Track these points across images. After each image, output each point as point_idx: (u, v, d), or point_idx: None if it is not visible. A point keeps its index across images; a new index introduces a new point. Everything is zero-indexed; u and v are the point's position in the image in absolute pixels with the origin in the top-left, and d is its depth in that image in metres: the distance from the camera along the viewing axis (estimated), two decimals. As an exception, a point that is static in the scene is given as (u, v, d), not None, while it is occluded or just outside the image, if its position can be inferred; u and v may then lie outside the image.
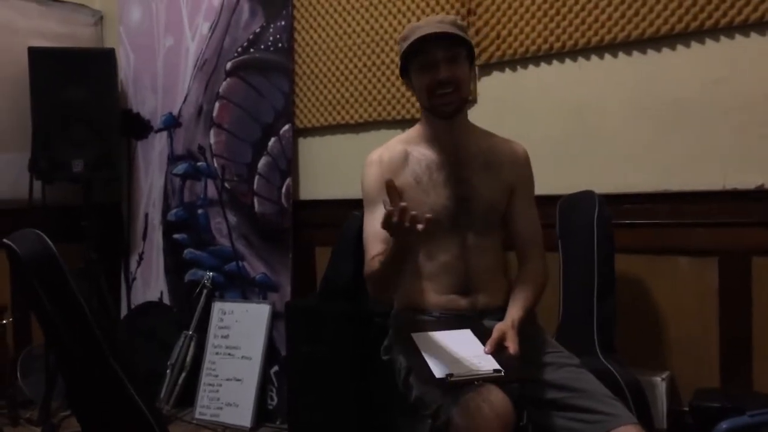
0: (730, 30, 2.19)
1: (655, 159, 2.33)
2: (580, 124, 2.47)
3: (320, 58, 3.04)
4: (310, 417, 2.64)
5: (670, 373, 2.28)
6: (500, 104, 2.57)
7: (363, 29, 2.91)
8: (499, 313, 1.76)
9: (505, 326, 1.61)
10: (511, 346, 1.56)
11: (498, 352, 1.56)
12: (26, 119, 3.18)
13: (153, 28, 3.54)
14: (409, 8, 2.78)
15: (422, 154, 1.79)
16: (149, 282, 3.56)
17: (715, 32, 2.21)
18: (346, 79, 2.97)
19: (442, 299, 1.75)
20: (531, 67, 2.56)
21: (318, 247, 3.13)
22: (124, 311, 3.60)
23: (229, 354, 3.12)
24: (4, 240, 1.72)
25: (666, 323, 2.35)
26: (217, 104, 3.31)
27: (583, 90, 2.45)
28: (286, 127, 3.11)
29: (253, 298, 3.20)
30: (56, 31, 3.57)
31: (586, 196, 2.28)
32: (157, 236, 3.53)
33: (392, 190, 1.42)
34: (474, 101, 2.61)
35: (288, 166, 3.12)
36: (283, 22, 3.10)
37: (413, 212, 1.38)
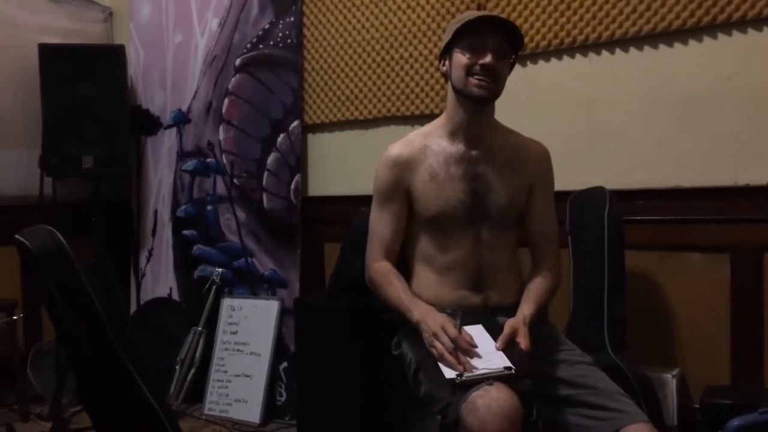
0: (743, 24, 2.17)
1: (666, 155, 2.32)
2: (591, 120, 2.45)
3: (329, 54, 3.04)
4: (319, 413, 2.64)
5: (680, 370, 2.26)
6: (511, 99, 2.51)
7: (372, 25, 2.90)
8: (512, 311, 1.75)
9: (516, 322, 1.61)
10: (523, 341, 1.56)
11: (509, 348, 1.56)
12: (36, 116, 3.19)
13: (162, 24, 3.55)
14: (419, 3, 2.77)
15: (441, 147, 1.78)
16: (159, 278, 3.56)
17: (727, 27, 2.20)
18: (356, 74, 2.96)
19: (454, 295, 1.75)
20: (541, 62, 2.55)
21: (327, 244, 3.13)
22: (133, 307, 3.61)
23: (238, 350, 3.13)
24: (16, 236, 1.73)
25: (677, 320, 2.34)
26: (226, 100, 3.31)
27: (594, 85, 2.44)
28: (295, 123, 3.11)
29: (262, 294, 3.20)
30: (66, 27, 3.58)
31: (597, 192, 2.27)
32: (166, 232, 3.54)
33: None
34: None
35: (297, 162, 3.12)
36: (292, 18, 3.10)
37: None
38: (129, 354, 1.81)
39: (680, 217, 2.31)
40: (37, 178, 3.16)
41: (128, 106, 3.44)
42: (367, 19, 2.91)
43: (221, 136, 3.33)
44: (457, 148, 1.77)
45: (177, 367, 3.20)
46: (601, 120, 2.44)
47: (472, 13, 1.72)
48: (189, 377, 3.19)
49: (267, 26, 3.17)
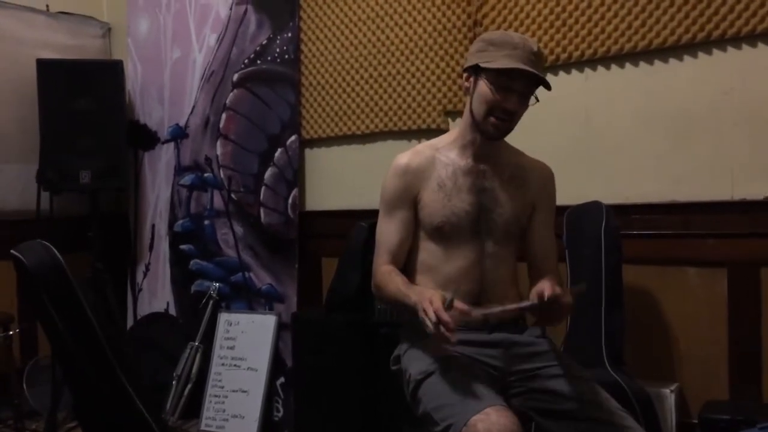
0: (738, 40, 2.19)
1: (663, 170, 2.32)
2: (587, 135, 2.46)
3: (326, 70, 3.05)
4: (317, 429, 2.63)
5: (679, 385, 2.26)
6: None
7: (369, 40, 2.92)
8: (512, 327, 1.75)
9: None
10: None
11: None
12: (34, 130, 3.19)
13: (160, 39, 3.56)
14: (415, 19, 2.78)
15: (450, 159, 1.79)
16: (155, 293, 3.56)
17: (722, 43, 2.21)
18: (353, 90, 2.98)
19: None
20: (537, 77, 2.56)
21: (324, 258, 3.13)
22: (130, 322, 3.60)
23: (235, 365, 3.12)
24: (12, 251, 1.73)
25: (675, 335, 2.34)
26: (223, 115, 3.32)
27: (591, 100, 2.45)
28: (293, 138, 3.12)
29: (259, 309, 3.19)
30: (64, 42, 3.59)
31: (594, 206, 2.27)
32: (163, 247, 3.53)
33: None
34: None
35: (294, 176, 3.12)
36: (289, 34, 3.12)
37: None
38: (125, 369, 1.80)
39: (677, 232, 2.31)
40: (34, 193, 3.16)
41: (126, 121, 3.45)
42: (364, 35, 2.93)
43: (219, 151, 3.34)
44: (466, 162, 1.78)
45: (174, 382, 3.19)
46: (597, 135, 2.44)
47: (506, 42, 1.67)
48: (186, 392, 3.17)
49: (264, 42, 3.19)
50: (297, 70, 3.12)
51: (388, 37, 2.87)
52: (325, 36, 3.05)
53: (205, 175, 3.39)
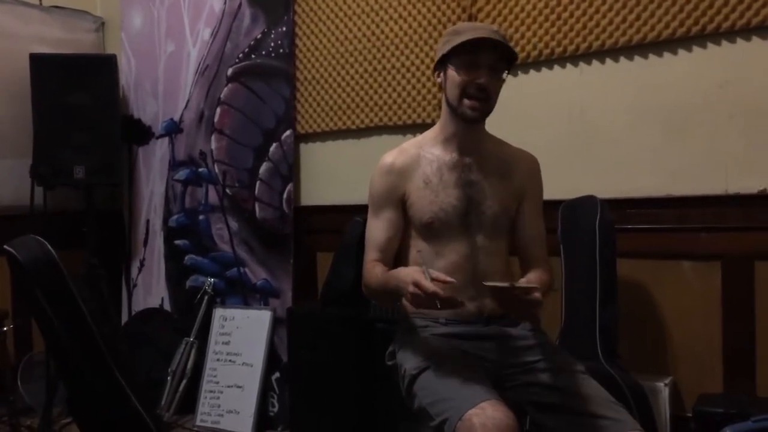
0: (732, 34, 2.19)
1: (657, 164, 2.33)
2: (582, 129, 2.46)
3: (321, 64, 3.04)
4: (312, 424, 2.63)
5: (673, 378, 2.26)
6: (502, 108, 2.51)
7: (364, 35, 2.91)
8: (506, 320, 1.76)
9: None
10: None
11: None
12: (27, 125, 3.18)
13: (154, 34, 3.55)
14: (410, 13, 2.78)
15: (435, 155, 1.80)
16: (150, 288, 3.55)
17: (716, 36, 2.21)
18: (347, 84, 2.97)
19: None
20: (532, 71, 2.56)
21: (319, 253, 3.13)
22: (125, 317, 3.59)
23: (230, 360, 3.11)
24: (5, 246, 1.72)
25: (669, 328, 2.34)
26: (218, 110, 3.31)
27: (585, 94, 2.45)
28: (288, 132, 3.11)
29: (254, 304, 3.19)
30: (58, 37, 3.58)
31: (588, 200, 2.27)
32: (158, 242, 3.53)
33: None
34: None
35: (289, 171, 3.11)
36: (284, 28, 3.11)
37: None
38: (119, 365, 1.80)
39: (671, 226, 2.31)
40: (28, 188, 3.14)
41: (120, 116, 3.43)
42: (359, 29, 2.92)
43: (213, 146, 3.33)
44: (450, 156, 1.79)
45: (168, 377, 3.18)
46: (592, 129, 2.44)
47: (468, 28, 1.71)
48: (181, 388, 3.17)
49: (259, 36, 3.18)
50: (292, 65, 3.11)
51: (383, 32, 2.86)
52: (320, 30, 3.04)
53: (200, 169, 3.38)
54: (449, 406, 1.47)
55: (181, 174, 3.44)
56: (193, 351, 3.20)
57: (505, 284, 1.52)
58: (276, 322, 3.07)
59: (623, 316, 2.22)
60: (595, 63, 2.43)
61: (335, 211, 3.00)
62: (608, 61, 2.41)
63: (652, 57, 2.33)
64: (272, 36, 3.14)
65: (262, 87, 3.18)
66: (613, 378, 1.98)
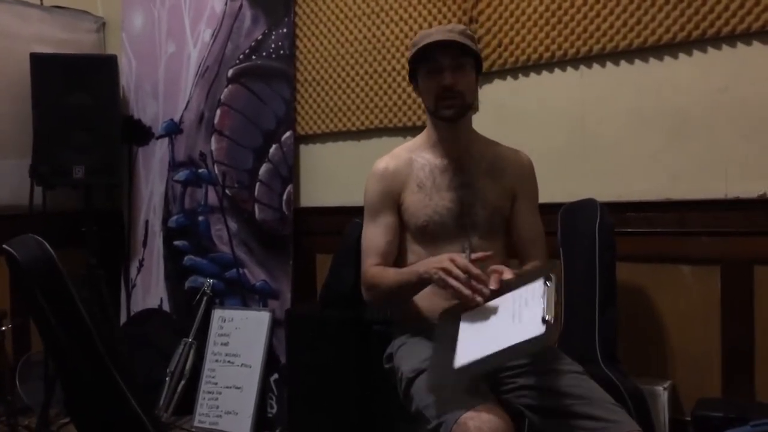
0: (732, 38, 2.19)
1: (657, 167, 2.33)
2: (581, 132, 2.46)
3: (322, 65, 3.04)
4: (310, 425, 2.63)
5: (672, 382, 2.26)
6: (501, 112, 2.57)
7: (365, 36, 2.91)
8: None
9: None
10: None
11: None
12: (27, 125, 3.18)
13: (155, 34, 3.55)
14: (411, 16, 2.78)
15: (426, 159, 1.81)
16: (149, 289, 3.55)
17: (716, 41, 2.21)
18: (348, 86, 2.97)
19: (446, 305, 1.75)
20: (532, 75, 2.56)
21: (319, 255, 3.12)
22: (123, 318, 3.59)
23: (229, 362, 3.11)
24: (4, 245, 1.72)
25: (668, 332, 2.34)
26: (218, 111, 3.31)
27: (585, 98, 2.45)
28: (288, 133, 3.11)
29: (253, 305, 3.19)
30: (58, 37, 3.58)
31: (588, 204, 2.27)
32: (157, 243, 3.52)
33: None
34: (476, 109, 2.61)
35: (289, 172, 3.11)
36: (284, 29, 3.11)
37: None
38: (117, 365, 1.80)
39: (671, 230, 2.31)
40: (27, 188, 3.14)
41: (120, 116, 3.43)
42: (360, 31, 2.92)
43: (213, 147, 3.33)
44: (441, 159, 1.80)
45: (167, 378, 3.18)
46: (591, 132, 2.44)
47: (424, 36, 1.75)
48: (179, 389, 3.17)
49: (260, 37, 3.18)
50: (292, 66, 3.11)
51: (383, 34, 2.86)
52: (321, 32, 3.04)
53: (200, 170, 3.38)
54: (445, 410, 1.47)
55: (181, 175, 3.44)
56: (192, 352, 3.20)
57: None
58: (275, 324, 3.07)
59: (623, 320, 2.22)
60: (596, 66, 2.43)
61: (335, 212, 3.00)
62: (609, 64, 2.41)
63: (652, 61, 2.33)
64: (273, 37, 3.14)
65: (262, 88, 3.18)
66: (613, 382, 1.97)
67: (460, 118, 1.78)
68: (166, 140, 3.50)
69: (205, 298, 3.26)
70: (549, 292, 1.41)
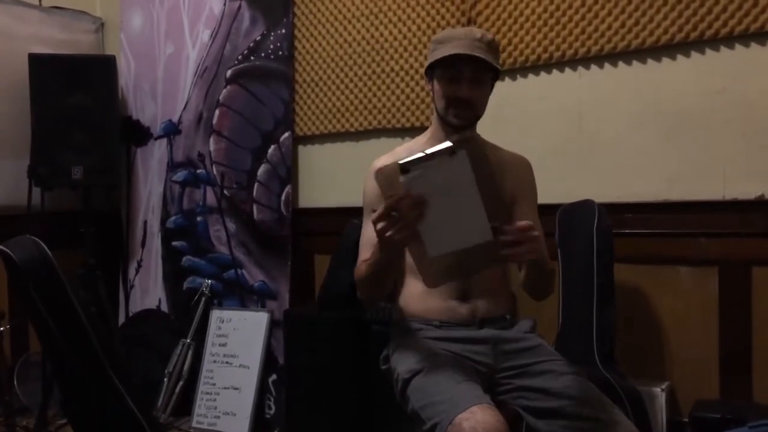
0: (731, 40, 2.19)
1: (655, 168, 2.33)
2: (580, 133, 2.46)
3: (320, 66, 3.04)
4: (308, 426, 2.63)
5: (669, 383, 2.26)
6: (500, 113, 2.56)
7: (363, 37, 2.91)
8: (500, 323, 1.75)
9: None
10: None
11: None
12: (26, 126, 3.17)
13: (154, 35, 3.55)
14: (409, 17, 2.78)
15: None
16: (147, 289, 3.54)
17: (715, 42, 2.21)
18: (346, 87, 2.97)
19: (441, 306, 1.75)
20: (531, 75, 2.56)
21: (317, 255, 3.12)
22: (122, 319, 3.59)
23: (227, 362, 3.11)
24: (1, 246, 1.72)
25: (666, 333, 2.34)
26: (217, 111, 3.31)
27: (584, 99, 2.45)
28: (286, 134, 3.11)
29: (251, 306, 3.19)
30: (57, 37, 3.58)
31: (586, 205, 2.27)
32: (155, 243, 3.52)
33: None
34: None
35: (287, 173, 3.11)
36: (283, 30, 3.11)
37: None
38: (115, 366, 1.79)
39: (669, 231, 2.31)
40: (25, 189, 3.14)
41: (119, 117, 3.43)
42: (358, 32, 2.92)
43: (212, 147, 3.33)
44: None
45: (165, 379, 3.18)
46: (590, 133, 2.45)
47: (450, 38, 1.71)
48: (177, 390, 3.17)
49: (258, 38, 3.18)
50: (291, 67, 3.11)
51: (382, 35, 2.86)
52: (319, 33, 3.04)
53: (198, 171, 3.38)
54: (440, 410, 1.47)
55: (180, 175, 3.43)
56: (190, 352, 3.20)
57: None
58: (273, 324, 3.07)
59: (620, 321, 2.22)
60: (594, 68, 2.43)
61: (333, 213, 3.00)
62: (607, 65, 2.41)
63: (650, 62, 2.33)
64: (271, 38, 3.14)
65: (260, 89, 3.18)
66: (610, 383, 1.97)
67: (468, 128, 1.77)
68: (164, 141, 3.50)
69: (203, 299, 3.26)
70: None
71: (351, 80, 2.95)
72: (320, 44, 3.04)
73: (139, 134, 3.58)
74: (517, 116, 2.56)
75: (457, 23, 2.65)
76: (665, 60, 2.31)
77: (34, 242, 1.73)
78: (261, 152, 3.17)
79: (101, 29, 3.83)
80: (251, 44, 3.20)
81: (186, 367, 3.18)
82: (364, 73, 2.91)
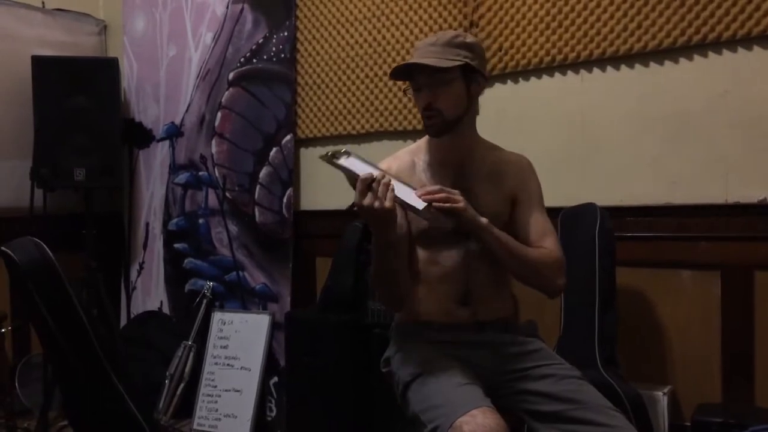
0: (733, 43, 2.18)
1: (657, 172, 2.32)
2: (582, 136, 2.46)
3: (323, 69, 3.04)
4: (309, 429, 2.62)
5: (671, 387, 2.26)
6: (502, 116, 2.56)
7: (366, 40, 2.91)
8: (501, 326, 1.75)
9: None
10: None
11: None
12: (29, 127, 3.18)
13: (156, 37, 3.56)
14: (411, 20, 2.78)
15: (428, 163, 1.80)
16: (149, 291, 3.55)
17: (717, 45, 2.21)
18: (348, 89, 2.97)
19: (441, 308, 1.74)
20: (533, 78, 2.56)
21: (318, 258, 3.12)
22: (123, 321, 3.59)
23: (228, 365, 3.11)
24: (2, 248, 1.72)
25: (668, 337, 2.34)
26: (219, 114, 3.32)
27: (585, 102, 2.45)
28: (288, 137, 3.11)
29: (252, 308, 3.19)
30: (60, 39, 3.59)
31: (588, 208, 2.27)
32: (157, 245, 3.53)
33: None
34: (476, 112, 2.60)
35: (289, 176, 3.11)
36: (286, 33, 3.11)
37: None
38: (116, 368, 1.79)
39: (671, 234, 2.31)
40: (28, 190, 3.13)
41: (121, 119, 3.44)
42: (361, 35, 2.92)
43: (214, 150, 3.33)
44: (442, 164, 1.79)
45: (166, 381, 3.18)
46: (592, 137, 2.44)
47: (415, 47, 1.75)
48: (178, 392, 3.16)
49: (261, 40, 3.18)
50: (293, 69, 3.11)
51: (384, 37, 2.86)
52: (322, 35, 3.04)
53: (200, 173, 3.38)
54: (440, 413, 1.47)
55: (182, 177, 3.44)
56: (192, 354, 3.20)
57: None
58: (274, 327, 3.07)
59: (622, 325, 2.21)
60: (596, 71, 2.43)
61: (335, 216, 3.00)
62: (609, 68, 2.41)
63: (653, 65, 2.33)
64: (274, 41, 3.15)
65: (263, 91, 3.18)
66: (612, 387, 1.97)
67: (443, 134, 1.75)
68: (166, 143, 3.50)
69: (205, 301, 3.26)
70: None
71: (353, 83, 2.96)
72: (322, 47, 3.04)
73: (142, 136, 3.58)
74: (519, 119, 2.56)
75: (459, 26, 2.65)
76: (667, 63, 2.30)
77: (35, 244, 1.73)
78: (263, 154, 3.18)
79: (104, 31, 3.84)
80: (254, 47, 3.20)
81: (187, 369, 3.18)
82: (366, 76, 2.92)
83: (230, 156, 3.28)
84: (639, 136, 2.35)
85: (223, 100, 3.30)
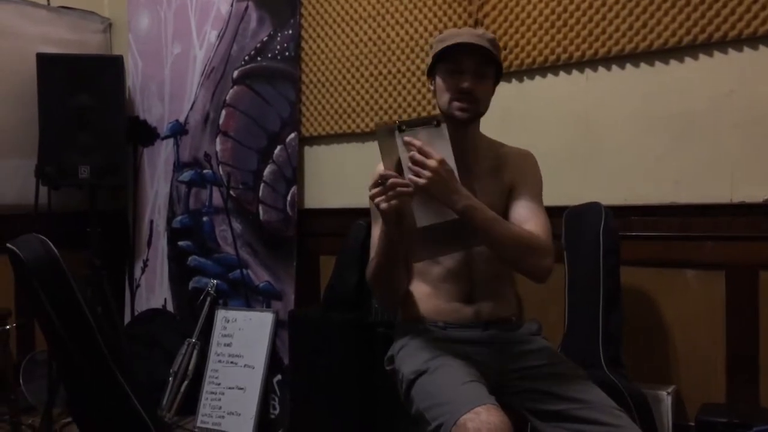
0: (739, 42, 2.18)
1: (662, 171, 2.32)
2: (587, 135, 2.46)
3: (327, 67, 3.04)
4: (313, 427, 2.63)
5: (675, 387, 2.25)
6: (507, 114, 2.56)
7: (370, 38, 2.91)
8: (505, 325, 1.75)
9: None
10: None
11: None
12: (33, 125, 3.19)
13: (161, 35, 3.56)
14: (416, 18, 2.78)
15: None
16: (153, 289, 3.55)
17: (723, 45, 2.20)
18: (353, 88, 2.97)
19: (446, 307, 1.74)
20: (538, 77, 2.55)
21: (322, 256, 3.12)
22: (127, 318, 3.60)
23: (232, 362, 3.11)
24: (7, 244, 1.72)
25: (672, 337, 2.33)
26: (223, 112, 3.32)
27: (591, 101, 2.44)
28: (292, 135, 3.11)
29: (256, 306, 3.19)
30: (65, 37, 3.59)
31: (593, 207, 2.26)
32: (161, 243, 3.53)
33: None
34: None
35: (293, 174, 3.12)
36: (290, 31, 3.11)
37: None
38: (120, 365, 1.80)
39: (676, 234, 2.30)
40: (33, 188, 3.15)
41: (126, 117, 3.44)
42: (365, 33, 2.92)
43: (218, 148, 3.34)
44: None
45: (170, 378, 3.18)
46: (597, 136, 2.44)
47: (451, 35, 1.72)
48: (182, 389, 3.17)
49: (265, 39, 3.18)
50: (297, 68, 3.12)
51: (389, 36, 2.86)
52: (326, 34, 3.04)
53: (204, 171, 3.38)
54: (444, 411, 1.47)
55: (186, 175, 3.44)
56: (195, 352, 3.20)
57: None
58: (278, 325, 3.07)
59: (626, 324, 2.21)
60: (601, 70, 2.43)
61: (339, 214, 3.00)
62: (614, 67, 2.40)
63: (658, 64, 2.32)
64: (278, 39, 3.15)
65: (267, 90, 3.18)
66: (616, 386, 1.97)
67: (471, 123, 1.76)
68: (171, 141, 3.51)
69: (208, 299, 3.27)
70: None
71: (357, 81, 2.96)
72: (327, 45, 3.04)
73: (146, 134, 3.59)
74: (524, 118, 2.56)
75: (464, 25, 2.65)
76: (673, 62, 2.30)
77: (41, 241, 1.74)
78: (267, 153, 3.18)
79: (109, 29, 3.85)
80: (258, 45, 3.20)
81: (191, 367, 3.19)
82: (371, 74, 2.92)
83: (234, 154, 3.29)
84: (644, 136, 2.35)
85: (227, 98, 3.30)
